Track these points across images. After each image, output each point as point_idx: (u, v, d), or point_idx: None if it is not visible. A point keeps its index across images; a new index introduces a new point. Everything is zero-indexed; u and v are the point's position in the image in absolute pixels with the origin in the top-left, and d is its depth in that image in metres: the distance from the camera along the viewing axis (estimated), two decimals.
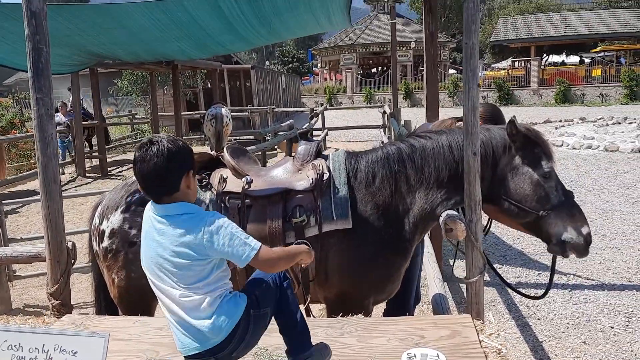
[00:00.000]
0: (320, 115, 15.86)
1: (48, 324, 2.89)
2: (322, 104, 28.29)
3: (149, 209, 2.07)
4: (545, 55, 39.74)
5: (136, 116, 19.87)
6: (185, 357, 2.05)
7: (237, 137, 14.18)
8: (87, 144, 14.91)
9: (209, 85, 23.04)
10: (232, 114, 17.47)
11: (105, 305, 3.26)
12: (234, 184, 2.92)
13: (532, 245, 6.62)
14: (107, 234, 2.99)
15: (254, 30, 7.60)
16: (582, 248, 2.84)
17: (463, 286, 5.49)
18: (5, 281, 5.35)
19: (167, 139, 2.01)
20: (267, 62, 55.95)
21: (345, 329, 2.54)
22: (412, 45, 41.47)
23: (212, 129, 13.19)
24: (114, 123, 19.87)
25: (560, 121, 20.26)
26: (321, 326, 2.60)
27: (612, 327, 4.55)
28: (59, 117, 13.79)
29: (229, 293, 2.04)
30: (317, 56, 48.75)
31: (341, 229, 2.79)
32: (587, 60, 38.76)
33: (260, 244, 2.00)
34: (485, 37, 45.14)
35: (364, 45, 42.64)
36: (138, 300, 3.00)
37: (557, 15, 39.63)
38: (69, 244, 3.11)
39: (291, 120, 12.30)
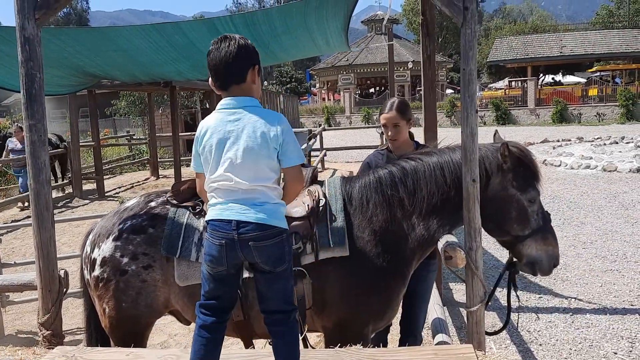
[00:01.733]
0: (318, 136, 15.85)
1: (38, 356, 2.82)
2: (320, 124, 28.32)
3: (218, 111, 2.31)
4: (542, 75, 40.02)
5: (134, 137, 19.84)
6: (221, 220, 2.22)
7: None
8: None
9: (207, 106, 23.05)
10: None
11: (96, 335, 3.18)
12: None
13: None
14: (98, 262, 2.92)
15: None
16: (547, 271, 2.89)
17: (464, 311, 5.42)
18: None
19: (239, 36, 2.30)
20: (265, 82, 56.29)
21: None
22: (410, 65, 41.70)
23: None
24: (111, 144, 19.85)
25: (558, 141, 20.29)
26: (319, 358, 2.53)
27: (615, 353, 4.47)
28: (13, 143, 11.98)
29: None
30: (315, 76, 49.01)
31: (338, 256, 2.74)
32: (570, 80, 38.99)
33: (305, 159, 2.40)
34: (482, 57, 45.51)
35: (361, 66, 42.90)
36: (130, 330, 2.93)
37: (553, 36, 40.03)
38: (61, 272, 3.05)
39: None
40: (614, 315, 5.19)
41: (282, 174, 2.37)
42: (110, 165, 17.41)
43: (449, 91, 45.75)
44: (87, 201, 12.72)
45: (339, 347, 2.74)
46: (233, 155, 2.22)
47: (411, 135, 3.55)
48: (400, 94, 42.63)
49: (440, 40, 57.45)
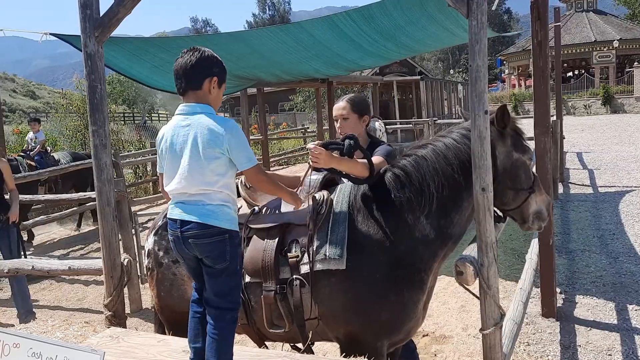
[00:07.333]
0: None
1: (96, 333, 3.22)
2: None
3: (175, 116, 2.43)
4: None
5: (308, 129, 20.97)
6: (170, 219, 2.43)
7: None
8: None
9: (384, 97, 23.59)
10: (398, 126, 17.45)
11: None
12: (245, 215, 2.95)
13: None
14: (146, 253, 3.23)
15: (380, 45, 7.56)
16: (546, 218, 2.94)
17: (579, 327, 4.80)
18: (137, 283, 6.04)
19: (209, 50, 2.42)
20: (451, 71, 54.75)
21: None
22: (616, 44, 37.34)
23: None
24: (279, 137, 21.16)
25: None
26: None
27: None
28: None
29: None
30: (505, 62, 46.30)
31: (335, 269, 2.64)
32: None
33: (256, 161, 2.41)
34: None
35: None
36: (169, 318, 3.19)
37: None
38: (125, 261, 3.42)
39: None
40: None
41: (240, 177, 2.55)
42: (286, 157, 18.74)
43: None
44: None
45: (344, 356, 2.68)
46: (182, 161, 2.35)
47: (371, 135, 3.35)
48: (603, 77, 38.38)
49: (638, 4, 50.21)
